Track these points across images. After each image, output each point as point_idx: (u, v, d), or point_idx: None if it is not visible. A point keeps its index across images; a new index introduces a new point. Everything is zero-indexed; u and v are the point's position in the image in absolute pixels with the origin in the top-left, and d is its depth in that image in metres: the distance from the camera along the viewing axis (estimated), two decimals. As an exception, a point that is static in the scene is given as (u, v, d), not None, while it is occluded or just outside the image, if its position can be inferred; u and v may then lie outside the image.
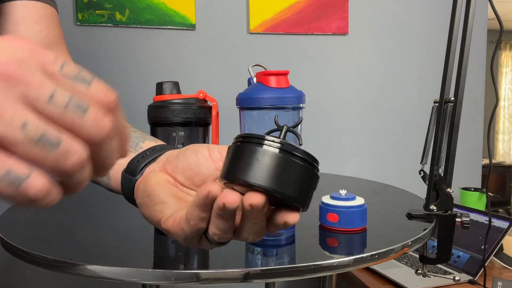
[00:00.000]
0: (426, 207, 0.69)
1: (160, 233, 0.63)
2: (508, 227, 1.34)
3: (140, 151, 0.46)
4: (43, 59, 0.24)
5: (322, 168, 1.61)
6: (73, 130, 0.24)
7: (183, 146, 0.61)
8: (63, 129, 0.23)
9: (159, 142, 0.49)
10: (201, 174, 0.39)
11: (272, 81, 0.56)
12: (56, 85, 0.23)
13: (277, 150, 0.30)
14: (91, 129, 0.24)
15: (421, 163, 0.74)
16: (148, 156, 0.45)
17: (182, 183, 0.40)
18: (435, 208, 0.68)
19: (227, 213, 0.31)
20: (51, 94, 0.23)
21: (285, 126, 0.33)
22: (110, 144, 0.26)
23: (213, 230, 0.33)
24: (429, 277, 0.76)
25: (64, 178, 0.24)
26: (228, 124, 1.26)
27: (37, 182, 0.23)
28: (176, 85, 0.74)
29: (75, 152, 0.23)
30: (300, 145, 0.29)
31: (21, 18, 0.65)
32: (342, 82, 1.67)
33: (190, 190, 0.40)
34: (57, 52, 0.23)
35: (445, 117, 0.69)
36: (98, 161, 0.26)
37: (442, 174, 0.70)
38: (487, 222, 1.04)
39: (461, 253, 1.38)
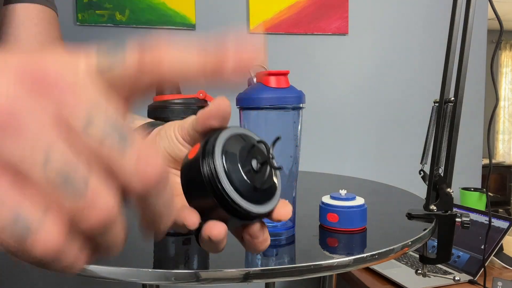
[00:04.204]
0: (426, 207, 0.69)
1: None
2: (508, 227, 1.34)
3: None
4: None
5: (322, 168, 1.61)
6: (110, 171, 0.18)
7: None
8: (96, 169, 0.18)
9: (148, 120, 0.46)
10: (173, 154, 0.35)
11: (272, 81, 0.56)
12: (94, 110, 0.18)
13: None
14: (131, 174, 0.18)
15: (421, 163, 0.74)
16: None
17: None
18: (435, 208, 0.68)
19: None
20: (88, 119, 0.17)
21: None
22: (163, 198, 0.20)
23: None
24: (429, 277, 0.76)
25: (92, 235, 0.18)
26: (228, 124, 1.25)
27: (48, 235, 0.16)
28: (176, 85, 0.74)
29: (102, 204, 0.17)
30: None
31: (21, 20, 0.66)
32: (342, 82, 1.67)
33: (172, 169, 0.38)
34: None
35: (445, 117, 0.69)
36: (147, 220, 0.21)
37: (442, 174, 0.70)
38: (487, 222, 1.03)
39: (461, 253, 1.38)
